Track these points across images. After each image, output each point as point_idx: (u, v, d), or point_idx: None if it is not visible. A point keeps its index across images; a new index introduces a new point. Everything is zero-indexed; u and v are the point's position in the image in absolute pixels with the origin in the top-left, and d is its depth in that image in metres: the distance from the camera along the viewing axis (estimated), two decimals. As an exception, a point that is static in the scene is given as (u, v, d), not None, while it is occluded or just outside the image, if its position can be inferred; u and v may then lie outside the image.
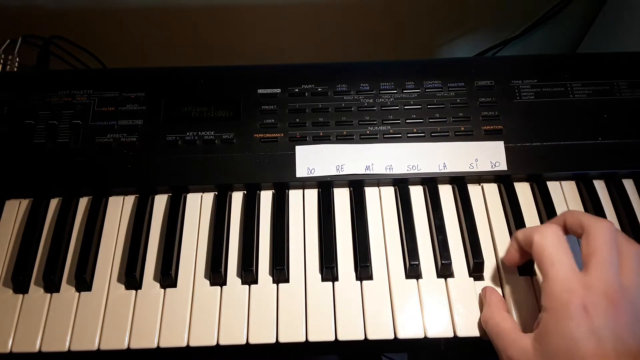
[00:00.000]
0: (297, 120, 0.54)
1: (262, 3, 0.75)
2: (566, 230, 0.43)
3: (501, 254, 0.49)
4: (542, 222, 0.51)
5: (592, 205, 0.51)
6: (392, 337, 0.45)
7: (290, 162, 0.53)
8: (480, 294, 0.47)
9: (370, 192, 0.53)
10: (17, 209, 0.53)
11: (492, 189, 0.53)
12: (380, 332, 0.45)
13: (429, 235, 0.51)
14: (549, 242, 0.40)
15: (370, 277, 0.48)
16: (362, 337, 0.45)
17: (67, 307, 0.47)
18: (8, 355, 0.45)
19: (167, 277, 0.48)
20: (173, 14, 0.76)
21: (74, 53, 0.74)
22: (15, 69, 0.67)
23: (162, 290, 0.48)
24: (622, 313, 0.36)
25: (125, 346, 0.45)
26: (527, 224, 0.50)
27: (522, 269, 0.48)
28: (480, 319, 0.45)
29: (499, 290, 0.47)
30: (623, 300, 0.36)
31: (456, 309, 0.46)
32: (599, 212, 0.51)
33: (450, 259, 0.48)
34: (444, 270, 0.48)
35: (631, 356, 0.35)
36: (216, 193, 0.53)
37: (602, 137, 0.53)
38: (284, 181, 0.52)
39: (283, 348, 0.45)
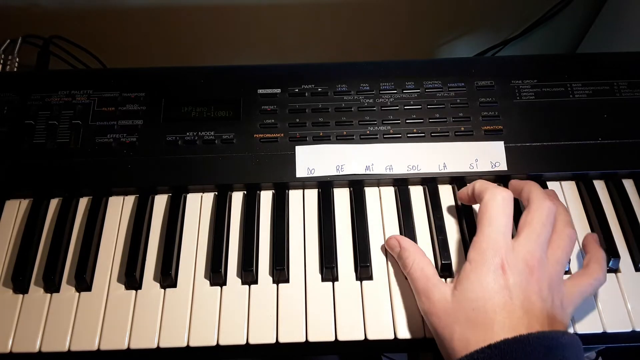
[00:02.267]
0: (297, 120, 0.54)
1: (262, 3, 0.75)
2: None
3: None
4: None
5: (592, 205, 0.51)
6: (392, 337, 0.45)
7: (290, 162, 0.53)
8: (389, 242, 0.48)
9: (370, 192, 0.53)
10: (17, 209, 0.53)
11: (492, 189, 0.53)
12: (380, 332, 0.45)
13: (429, 235, 0.51)
14: (495, 204, 0.43)
15: (370, 277, 0.48)
16: (362, 337, 0.45)
17: (67, 307, 0.47)
18: (8, 355, 0.45)
19: (167, 277, 0.48)
20: (173, 14, 0.76)
21: (74, 53, 0.74)
22: (15, 69, 0.67)
23: (162, 290, 0.48)
24: (534, 279, 0.40)
25: (125, 346, 0.45)
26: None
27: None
28: (403, 265, 0.46)
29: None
30: (539, 269, 0.41)
31: (456, 309, 0.46)
32: (599, 212, 0.51)
33: (451, 259, 0.48)
34: (444, 270, 0.48)
35: (535, 316, 0.39)
36: (216, 193, 0.53)
37: (602, 137, 0.53)
38: (284, 181, 0.52)
39: (283, 348, 0.45)
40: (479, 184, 0.46)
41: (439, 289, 0.42)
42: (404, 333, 0.45)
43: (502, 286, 0.40)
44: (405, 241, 0.47)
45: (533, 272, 0.41)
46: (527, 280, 0.40)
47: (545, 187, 0.53)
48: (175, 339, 0.45)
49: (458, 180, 0.53)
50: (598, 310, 0.46)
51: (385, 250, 0.50)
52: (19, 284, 0.48)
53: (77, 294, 0.48)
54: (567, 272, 0.48)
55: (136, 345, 0.45)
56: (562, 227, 0.44)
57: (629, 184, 0.53)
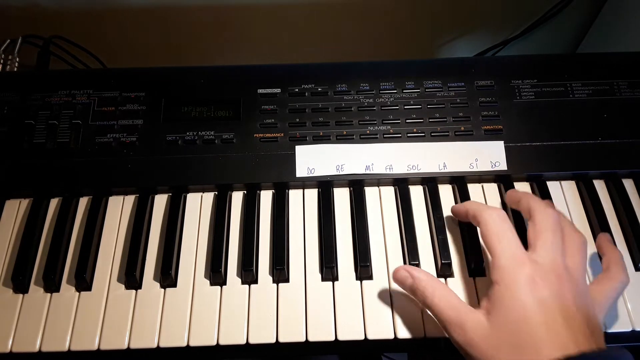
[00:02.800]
0: (297, 120, 0.54)
1: (262, 3, 0.75)
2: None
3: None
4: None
5: (592, 205, 0.51)
6: (392, 337, 0.45)
7: (290, 162, 0.53)
8: (397, 275, 0.44)
9: (371, 192, 0.53)
10: (17, 209, 0.53)
11: (492, 189, 0.53)
12: (380, 332, 0.45)
13: (429, 235, 0.51)
14: (495, 222, 0.42)
15: (370, 277, 0.48)
16: (362, 337, 0.45)
17: (67, 307, 0.47)
18: (8, 355, 0.45)
19: (167, 276, 0.48)
20: (173, 14, 0.76)
21: (74, 53, 0.75)
22: (15, 69, 0.67)
23: (162, 290, 0.48)
24: (567, 289, 0.38)
25: (125, 346, 0.45)
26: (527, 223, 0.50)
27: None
28: (422, 297, 0.42)
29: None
30: (568, 277, 0.39)
31: (456, 309, 0.46)
32: (599, 212, 0.51)
33: (450, 259, 0.48)
34: (444, 270, 0.48)
35: (577, 328, 0.37)
36: (216, 193, 0.53)
37: (602, 137, 0.53)
38: (284, 181, 0.52)
39: (283, 348, 0.45)
40: (471, 205, 0.46)
41: (471, 318, 0.39)
42: (404, 333, 0.45)
43: (539, 301, 0.37)
44: (418, 271, 0.43)
45: (563, 281, 0.39)
46: (560, 291, 0.38)
47: (545, 187, 0.53)
48: (175, 339, 0.45)
49: (458, 180, 0.53)
50: (598, 310, 0.46)
51: (386, 250, 0.50)
52: (19, 283, 0.48)
53: (77, 293, 0.48)
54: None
55: (136, 345, 0.45)
56: (571, 233, 0.43)
57: (629, 184, 0.53)
